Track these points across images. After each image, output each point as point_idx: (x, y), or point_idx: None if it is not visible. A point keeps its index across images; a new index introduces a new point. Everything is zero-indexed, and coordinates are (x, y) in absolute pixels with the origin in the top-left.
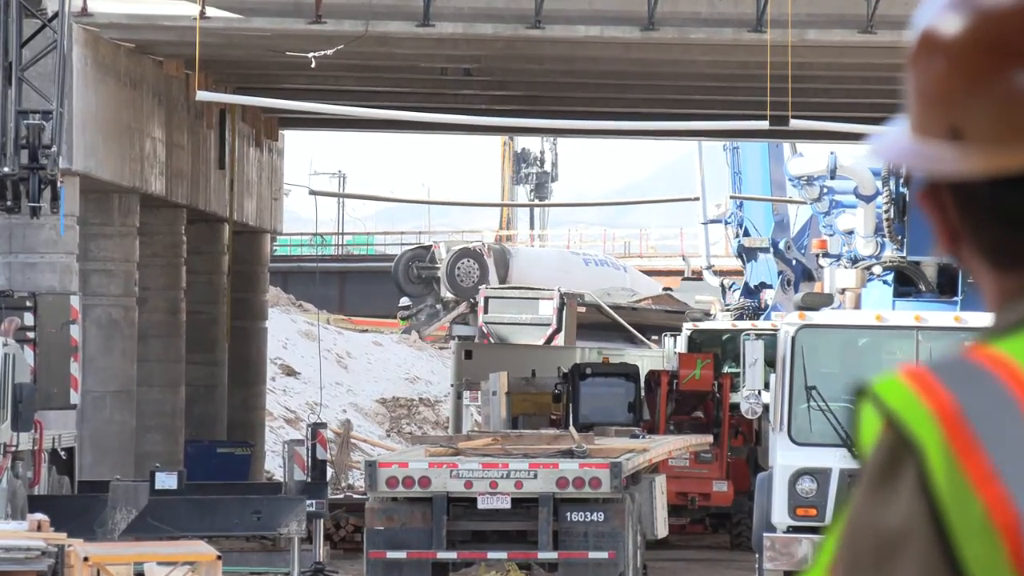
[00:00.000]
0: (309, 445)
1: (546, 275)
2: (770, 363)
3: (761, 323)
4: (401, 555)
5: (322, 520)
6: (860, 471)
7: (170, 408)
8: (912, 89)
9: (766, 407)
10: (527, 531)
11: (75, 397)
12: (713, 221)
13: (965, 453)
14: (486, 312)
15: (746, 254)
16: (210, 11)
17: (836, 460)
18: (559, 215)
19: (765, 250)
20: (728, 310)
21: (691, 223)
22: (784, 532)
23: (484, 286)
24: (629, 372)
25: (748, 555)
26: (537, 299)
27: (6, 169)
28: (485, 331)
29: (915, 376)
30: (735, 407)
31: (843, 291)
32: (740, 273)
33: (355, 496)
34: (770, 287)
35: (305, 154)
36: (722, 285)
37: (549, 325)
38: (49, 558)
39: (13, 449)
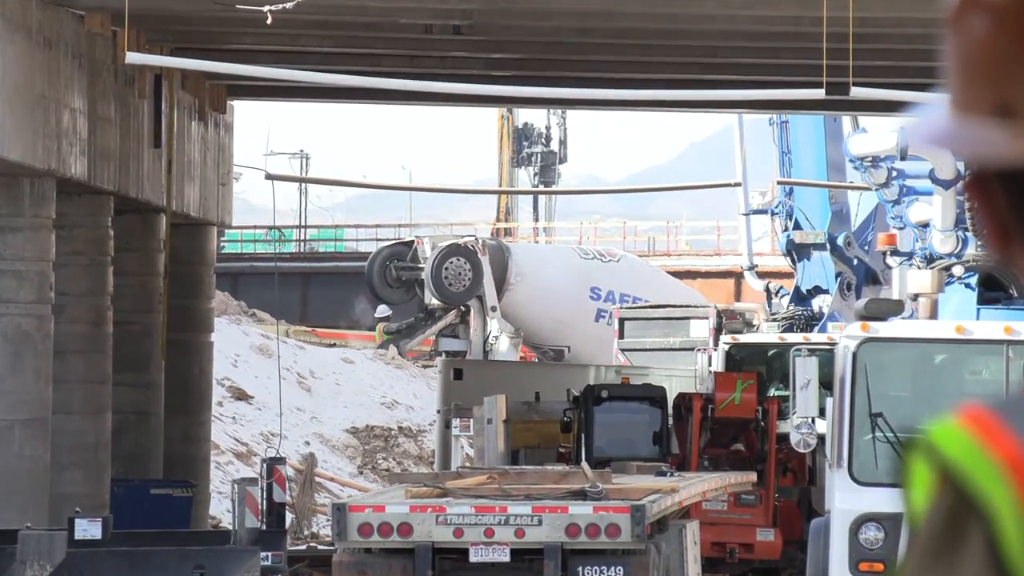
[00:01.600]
0: (264, 485)
1: (557, 278)
2: (826, 385)
3: (815, 336)
4: None
5: None
6: (913, 538)
7: (93, 440)
8: (953, 58)
9: (821, 439)
10: None
11: None
12: (756, 212)
13: None
14: (622, 336)
15: (797, 252)
16: None
17: None
18: (569, 204)
19: (820, 247)
20: (775, 320)
21: (729, 214)
22: None
23: (617, 306)
24: (654, 396)
25: None
26: (688, 318)
27: None
28: (622, 359)
29: (975, 419)
30: (783, 438)
31: (916, 297)
32: (789, 275)
33: (320, 547)
34: (826, 292)
35: (260, 130)
36: (767, 289)
37: (704, 349)
38: None
39: None
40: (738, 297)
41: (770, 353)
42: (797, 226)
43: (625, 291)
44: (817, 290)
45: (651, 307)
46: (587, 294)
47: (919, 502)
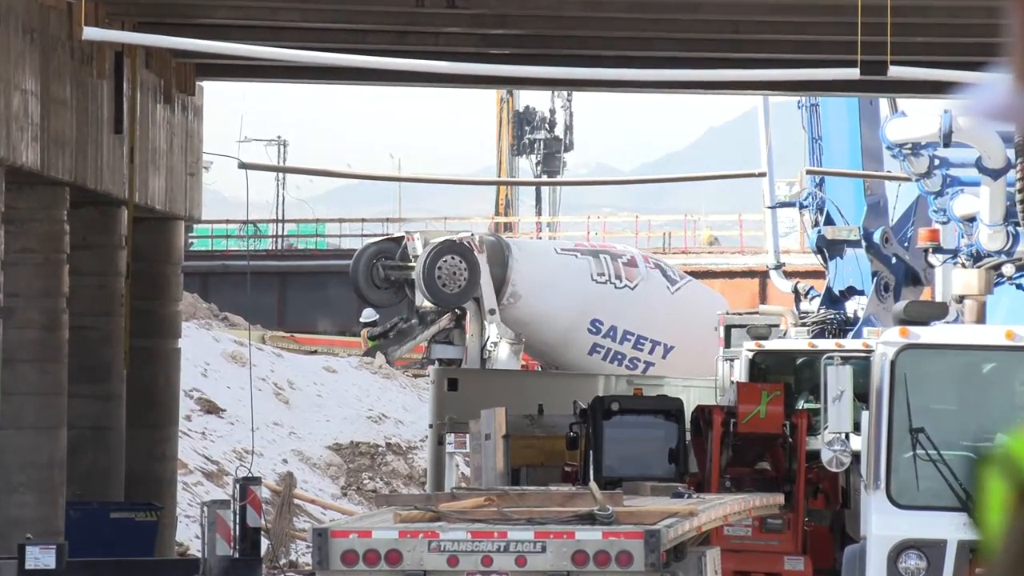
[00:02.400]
0: (237, 508)
1: (559, 304)
2: (861, 397)
3: (849, 342)
4: None
5: None
6: (992, 563)
7: (46, 458)
8: (1018, 29)
9: (856, 456)
10: None
11: None
12: (783, 204)
13: None
14: (727, 345)
15: (829, 249)
16: None
17: (952, 529)
18: (575, 196)
19: (854, 243)
20: (804, 324)
21: (753, 207)
22: None
23: (723, 312)
24: (670, 409)
25: None
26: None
27: None
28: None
29: None
30: (814, 456)
31: (961, 299)
32: (820, 275)
33: None
34: (861, 293)
35: (232, 114)
36: (796, 290)
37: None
38: None
39: None
40: (763, 299)
41: (799, 361)
42: (829, 220)
43: (630, 328)
44: (851, 291)
45: (760, 313)
46: (586, 326)
47: (995, 522)
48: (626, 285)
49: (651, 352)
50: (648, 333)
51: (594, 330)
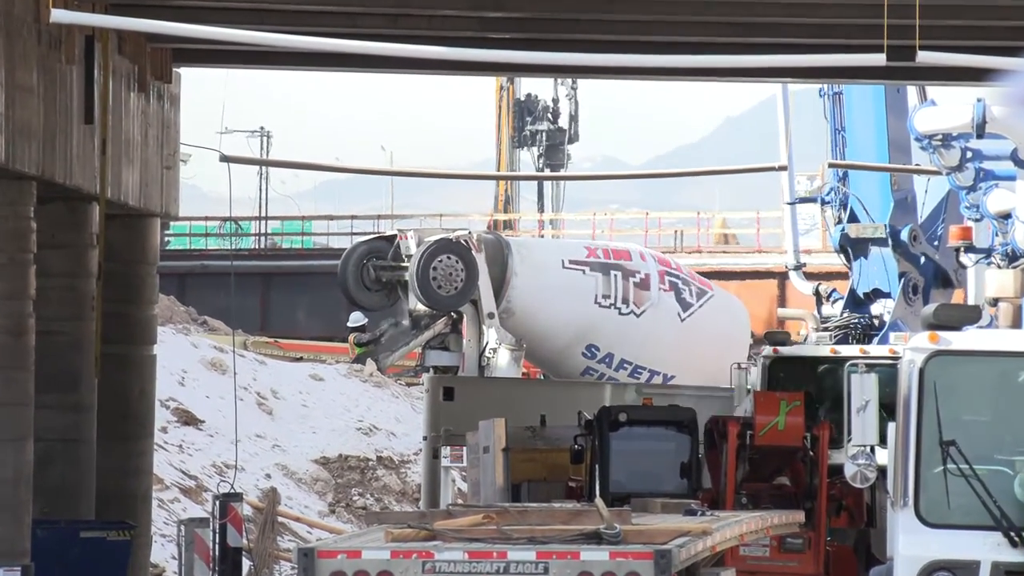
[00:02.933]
0: (217, 526)
1: (555, 324)
2: (888, 407)
3: (874, 348)
4: None
5: None
6: None
7: (11, 473)
8: None
9: (882, 471)
10: None
11: None
12: (804, 200)
13: None
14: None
15: (852, 248)
16: None
17: (986, 549)
18: (580, 192)
19: (880, 242)
20: (826, 329)
21: (771, 203)
22: None
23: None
24: (682, 419)
25: None
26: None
27: None
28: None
29: None
30: (836, 471)
31: (995, 301)
32: (844, 275)
33: None
34: (887, 296)
35: (212, 103)
36: (817, 293)
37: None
38: None
39: None
40: (782, 302)
41: (820, 369)
42: (853, 217)
43: (628, 357)
44: (877, 293)
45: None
46: (581, 350)
47: None
48: (632, 311)
49: (648, 381)
50: (647, 363)
51: (589, 355)
